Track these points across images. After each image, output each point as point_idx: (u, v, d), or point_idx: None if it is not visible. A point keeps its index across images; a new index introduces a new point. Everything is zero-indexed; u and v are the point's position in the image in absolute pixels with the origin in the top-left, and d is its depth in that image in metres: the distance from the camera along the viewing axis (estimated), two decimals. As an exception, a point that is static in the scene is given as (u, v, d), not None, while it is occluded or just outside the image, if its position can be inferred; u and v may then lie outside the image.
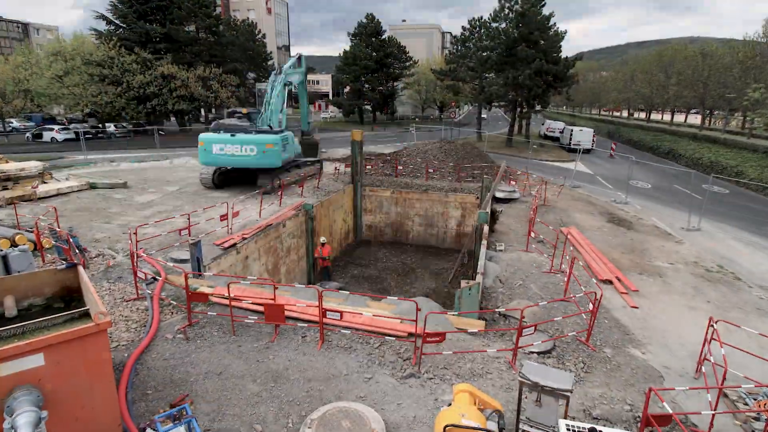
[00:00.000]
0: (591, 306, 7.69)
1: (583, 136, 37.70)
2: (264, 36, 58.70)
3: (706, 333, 6.74)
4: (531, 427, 4.87)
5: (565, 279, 10.15)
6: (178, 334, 7.41)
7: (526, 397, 4.91)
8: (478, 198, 19.32)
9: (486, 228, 11.97)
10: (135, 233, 10.11)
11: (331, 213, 18.41)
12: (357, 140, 19.65)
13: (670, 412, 4.91)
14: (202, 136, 16.83)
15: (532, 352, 7.28)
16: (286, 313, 7.63)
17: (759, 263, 13.03)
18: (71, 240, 9.73)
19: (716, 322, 6.63)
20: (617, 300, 9.45)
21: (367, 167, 21.56)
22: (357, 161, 19.94)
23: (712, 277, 10.99)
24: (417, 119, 67.96)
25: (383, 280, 16.86)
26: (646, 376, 6.82)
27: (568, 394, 4.63)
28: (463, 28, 41.89)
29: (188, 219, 11.91)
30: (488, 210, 14.59)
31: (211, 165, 17.27)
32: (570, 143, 37.71)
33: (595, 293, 7.67)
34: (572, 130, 39.19)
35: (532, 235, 12.94)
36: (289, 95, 20.71)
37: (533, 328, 7.03)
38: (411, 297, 10.62)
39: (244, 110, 19.58)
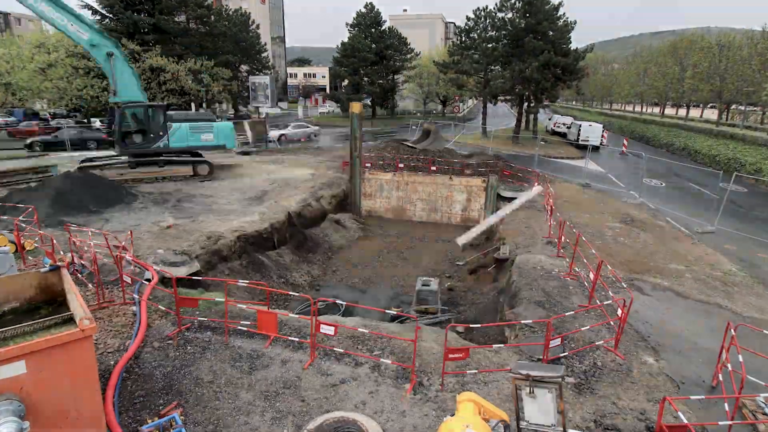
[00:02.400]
0: (616, 312, 7.65)
1: (592, 131, 37.36)
2: (258, 26, 58.74)
3: (724, 339, 6.73)
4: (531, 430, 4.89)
5: (577, 282, 10.17)
6: (168, 340, 7.41)
7: (521, 400, 4.93)
8: (484, 181, 19.33)
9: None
10: (131, 234, 10.11)
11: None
12: (356, 113, 19.34)
13: (685, 422, 4.91)
14: None
15: (539, 359, 7.27)
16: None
17: (779, 266, 13.00)
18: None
19: (735, 328, 6.62)
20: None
21: (366, 165, 21.49)
22: (356, 137, 19.59)
23: (729, 281, 10.98)
24: (419, 114, 67.98)
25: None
26: (660, 385, 6.81)
27: (559, 380, 4.69)
28: (468, 18, 41.87)
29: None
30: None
31: None
32: (578, 139, 37.50)
33: (624, 300, 7.59)
34: (581, 126, 39.00)
35: (543, 237, 12.93)
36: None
37: (559, 339, 7.00)
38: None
39: None
